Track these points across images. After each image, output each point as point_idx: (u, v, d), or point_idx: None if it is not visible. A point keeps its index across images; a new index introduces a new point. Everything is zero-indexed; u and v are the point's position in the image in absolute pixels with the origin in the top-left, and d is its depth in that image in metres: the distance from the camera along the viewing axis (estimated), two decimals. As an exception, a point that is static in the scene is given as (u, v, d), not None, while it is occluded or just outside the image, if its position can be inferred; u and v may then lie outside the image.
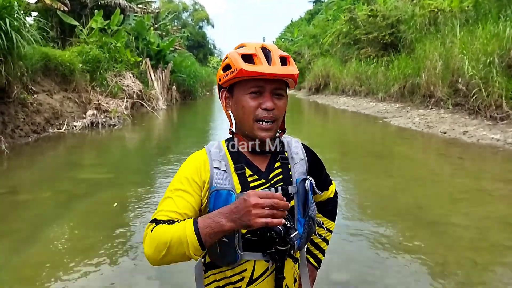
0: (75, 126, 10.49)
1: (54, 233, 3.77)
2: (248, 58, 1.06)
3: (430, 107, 10.97)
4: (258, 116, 1.08)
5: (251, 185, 1.11)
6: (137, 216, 4.16)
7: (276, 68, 1.05)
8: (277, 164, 1.18)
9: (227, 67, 1.10)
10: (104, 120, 11.41)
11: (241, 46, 1.15)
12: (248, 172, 1.13)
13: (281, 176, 1.17)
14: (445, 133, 8.37)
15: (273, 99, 1.09)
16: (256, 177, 1.13)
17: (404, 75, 13.16)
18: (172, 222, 0.99)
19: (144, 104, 15.80)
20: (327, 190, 1.40)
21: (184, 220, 0.99)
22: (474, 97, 8.78)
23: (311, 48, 30.43)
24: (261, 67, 1.04)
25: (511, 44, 8.52)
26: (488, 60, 8.69)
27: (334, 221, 1.47)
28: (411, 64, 12.93)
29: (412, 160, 6.80)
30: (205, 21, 58.59)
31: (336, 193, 1.47)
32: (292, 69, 1.09)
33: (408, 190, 4.96)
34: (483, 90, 8.51)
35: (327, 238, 1.43)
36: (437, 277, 2.80)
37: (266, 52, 1.08)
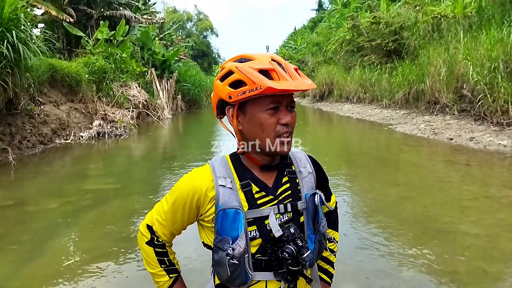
0: (82, 137, 10.56)
1: (62, 244, 3.78)
2: (264, 73, 1.00)
3: (435, 113, 10.93)
4: (279, 132, 1.05)
5: (258, 202, 1.09)
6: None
7: (300, 82, 1.02)
8: (285, 179, 1.16)
9: (237, 83, 1.03)
10: (110, 130, 11.49)
11: (244, 58, 1.08)
12: (255, 188, 1.10)
13: (289, 192, 1.14)
14: (451, 139, 8.33)
15: (288, 113, 1.06)
16: (263, 193, 1.10)
17: (408, 82, 13.14)
18: (162, 252, 1.20)
19: (150, 113, 15.90)
20: (329, 201, 1.38)
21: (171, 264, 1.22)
22: (479, 102, 8.74)
23: (314, 56, 30.52)
24: (287, 83, 0.99)
25: (516, 50, 8.49)
26: (493, 66, 8.66)
27: (337, 231, 1.44)
28: (415, 71, 12.91)
29: (419, 167, 6.76)
30: (209, 30, 58.98)
31: (336, 203, 1.45)
32: (311, 82, 1.07)
33: (415, 198, 4.92)
34: (488, 95, 8.47)
35: (334, 250, 1.40)
36: (448, 287, 2.76)
37: (279, 65, 1.04)
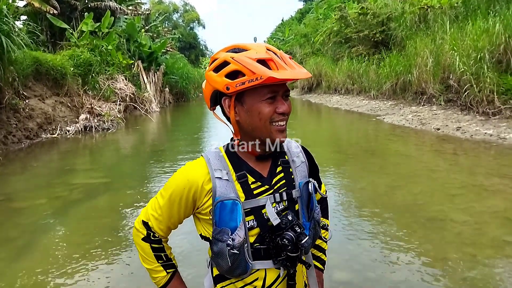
0: (68, 131, 10.40)
1: (51, 239, 3.73)
2: (262, 63, 0.99)
3: (422, 103, 11.05)
4: (274, 119, 1.05)
5: (255, 192, 1.09)
6: (134, 220, 4.12)
7: (298, 72, 1.02)
8: (279, 168, 1.17)
9: (235, 74, 1.01)
10: (97, 124, 11.33)
11: (238, 48, 1.06)
12: (250, 179, 1.11)
13: (284, 181, 1.15)
14: (438, 129, 8.44)
15: (284, 102, 1.07)
16: (259, 183, 1.11)
17: (395, 73, 13.23)
18: (158, 248, 1.18)
19: (137, 107, 15.72)
20: (320, 189, 1.39)
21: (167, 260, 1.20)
22: (466, 93, 8.87)
23: (302, 48, 30.47)
24: (287, 72, 0.99)
25: (501, 40, 8.60)
26: (479, 56, 8.77)
27: (328, 219, 1.46)
28: (402, 62, 13.00)
29: (407, 157, 6.84)
30: (196, 22, 58.37)
31: (326, 191, 1.46)
32: (306, 71, 1.06)
33: (405, 187, 4.99)
34: (474, 85, 8.59)
35: (326, 237, 1.42)
36: (439, 274, 2.82)
37: (275, 54, 1.04)
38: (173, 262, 1.23)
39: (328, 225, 1.42)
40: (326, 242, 1.42)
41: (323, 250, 1.43)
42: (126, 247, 3.48)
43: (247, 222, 1.06)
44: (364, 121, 11.63)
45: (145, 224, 1.16)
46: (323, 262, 1.43)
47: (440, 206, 4.17)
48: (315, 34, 26.56)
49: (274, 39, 47.18)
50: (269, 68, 0.99)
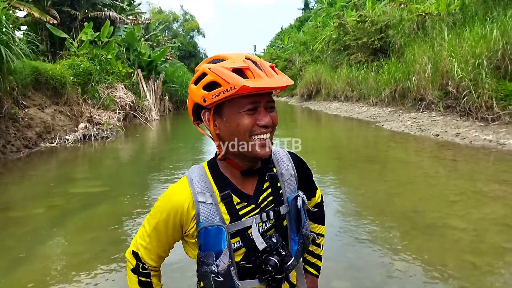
0: (67, 140, 10.39)
1: (49, 249, 3.70)
2: (238, 72, 0.95)
3: (421, 110, 11.06)
4: (254, 132, 1.01)
5: (240, 213, 1.06)
6: (133, 230, 4.10)
7: (277, 80, 0.98)
8: (266, 184, 1.13)
9: (211, 85, 0.97)
10: (96, 132, 11.33)
11: (218, 59, 1.03)
12: (235, 199, 1.06)
13: (271, 198, 1.11)
14: (437, 135, 8.43)
15: (268, 114, 1.02)
16: (244, 203, 1.07)
17: (394, 79, 13.27)
18: (146, 282, 1.12)
19: (137, 115, 15.73)
20: (314, 195, 1.36)
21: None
22: (464, 99, 8.88)
23: (302, 55, 30.65)
24: (263, 81, 0.94)
25: (499, 46, 8.64)
26: (477, 62, 8.80)
27: (324, 224, 1.44)
28: (401, 68, 13.05)
29: (406, 163, 6.82)
30: (196, 30, 58.76)
31: (321, 196, 1.44)
32: (288, 79, 1.03)
33: (404, 194, 4.97)
34: (473, 91, 8.60)
35: (321, 243, 1.40)
36: (438, 281, 2.78)
37: (254, 63, 1.00)
38: None
39: (323, 233, 1.40)
40: (322, 248, 1.40)
41: (318, 256, 1.41)
42: (124, 256, 3.45)
43: (233, 244, 1.04)
44: (364, 127, 11.62)
45: (135, 254, 1.13)
46: (318, 268, 1.41)
47: (439, 213, 4.14)
48: (314, 42, 26.74)
49: (274, 47, 47.51)
50: (246, 77, 0.95)
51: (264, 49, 55.51)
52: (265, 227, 1.08)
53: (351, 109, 16.06)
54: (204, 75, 1.00)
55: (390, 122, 11.24)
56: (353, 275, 2.99)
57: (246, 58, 1.00)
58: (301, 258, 1.33)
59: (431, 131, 8.84)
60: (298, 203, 1.12)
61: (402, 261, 3.12)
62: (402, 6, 15.87)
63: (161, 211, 1.06)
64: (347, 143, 9.87)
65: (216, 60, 1.02)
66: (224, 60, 1.00)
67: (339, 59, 20.48)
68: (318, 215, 1.40)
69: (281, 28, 55.13)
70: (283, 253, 1.04)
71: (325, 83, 21.39)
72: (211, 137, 1.13)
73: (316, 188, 1.38)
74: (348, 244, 3.52)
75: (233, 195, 1.06)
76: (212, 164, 1.12)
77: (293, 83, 1.05)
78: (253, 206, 1.08)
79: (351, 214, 4.36)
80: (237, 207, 1.06)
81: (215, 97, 0.96)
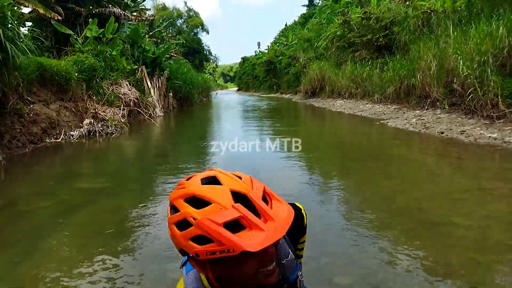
0: (72, 136, 10.44)
1: (54, 244, 3.73)
2: (232, 226, 0.81)
3: (426, 107, 11.01)
4: (260, 267, 0.90)
5: None
6: (137, 225, 4.13)
7: (278, 227, 0.84)
8: None
9: (202, 238, 0.83)
10: (101, 128, 11.37)
11: (197, 197, 0.86)
12: None
13: None
14: (442, 133, 8.40)
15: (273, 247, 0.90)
16: None
17: (399, 77, 13.21)
18: None
19: (141, 111, 15.77)
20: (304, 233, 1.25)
21: None
22: (469, 96, 8.83)
23: (306, 52, 30.53)
24: (263, 236, 0.81)
25: (505, 43, 8.58)
26: (482, 60, 8.74)
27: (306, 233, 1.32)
28: (406, 66, 12.98)
29: (411, 161, 6.81)
30: (200, 27, 58.66)
31: (304, 210, 1.29)
32: (288, 209, 0.89)
33: (408, 191, 4.96)
34: (478, 89, 8.55)
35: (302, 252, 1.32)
36: (442, 279, 2.78)
37: (244, 200, 0.85)
38: None
39: (301, 241, 1.28)
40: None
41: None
42: (129, 251, 3.47)
43: None
44: (368, 125, 11.60)
45: None
46: None
47: (443, 210, 4.14)
48: (318, 38, 26.65)
49: (278, 44, 47.38)
50: (241, 227, 0.82)
51: (268, 46, 55.36)
52: None
53: (356, 107, 16.01)
54: (187, 223, 0.85)
55: (395, 120, 11.20)
56: (356, 271, 2.99)
57: (232, 194, 0.85)
58: None
59: (436, 129, 8.81)
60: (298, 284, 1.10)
61: (405, 257, 3.12)
62: (407, 2, 15.75)
63: None
64: (351, 140, 9.85)
65: (195, 200, 0.86)
66: (207, 204, 0.84)
67: (343, 56, 20.41)
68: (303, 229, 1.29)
69: (285, 25, 54.91)
70: None
71: (329, 80, 21.32)
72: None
73: (303, 215, 1.22)
74: (351, 241, 3.52)
75: None
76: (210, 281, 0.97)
77: (292, 217, 0.89)
78: None
79: (354, 210, 4.36)
80: None
81: (210, 254, 0.82)
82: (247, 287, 0.92)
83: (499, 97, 8.09)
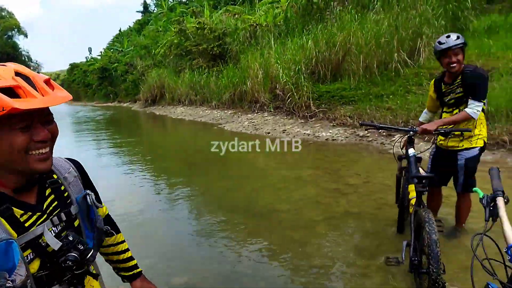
0: None
1: None
2: (8, 91, 0.87)
3: (256, 111, 12.13)
4: (31, 148, 0.95)
5: (26, 224, 0.98)
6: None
7: (52, 98, 0.93)
8: (48, 190, 1.09)
9: None
10: None
11: None
12: (17, 211, 0.98)
13: (56, 202, 1.08)
14: (268, 133, 9.43)
15: (45, 128, 0.97)
16: (29, 213, 1.00)
17: (233, 84, 14.17)
18: None
19: None
20: (101, 205, 1.31)
21: None
22: (289, 100, 10.17)
23: (143, 59, 29.79)
24: (36, 101, 0.89)
25: (313, 54, 10.21)
26: (297, 68, 10.20)
27: (120, 231, 1.42)
28: (238, 74, 14.01)
29: (245, 160, 7.42)
30: (16, 29, 50.91)
31: (108, 212, 1.42)
32: (65, 94, 0.98)
33: (240, 187, 5.41)
34: (295, 94, 9.93)
35: (125, 247, 1.41)
36: (265, 255, 3.19)
37: (26, 79, 0.91)
38: None
39: (118, 240, 1.39)
40: (128, 249, 1.41)
41: (129, 258, 1.42)
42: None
43: (25, 257, 0.97)
44: (207, 130, 12.09)
45: None
46: (135, 267, 1.42)
47: (267, 200, 4.69)
48: (156, 46, 26.38)
49: (112, 50, 44.85)
50: (17, 96, 0.88)
51: (101, 52, 51.68)
52: (57, 231, 1.05)
53: (196, 113, 16.46)
54: None
55: (231, 124, 11.98)
56: (192, 269, 3.14)
57: (16, 74, 0.91)
58: (114, 269, 1.37)
59: (264, 130, 9.82)
60: (89, 200, 1.13)
61: (236, 247, 3.44)
62: (236, 16, 17.13)
63: None
64: (192, 145, 10.10)
65: None
66: None
67: (181, 64, 20.74)
68: (113, 223, 1.40)
69: (120, 31, 52.34)
70: (82, 248, 1.02)
71: (169, 87, 21.33)
72: None
73: (101, 203, 1.32)
74: (188, 240, 3.69)
75: (14, 208, 0.98)
76: None
77: (71, 97, 1.01)
78: (38, 213, 1.03)
79: (193, 212, 4.57)
80: (22, 219, 0.99)
81: None
82: (15, 169, 0.96)
83: (311, 99, 9.57)
